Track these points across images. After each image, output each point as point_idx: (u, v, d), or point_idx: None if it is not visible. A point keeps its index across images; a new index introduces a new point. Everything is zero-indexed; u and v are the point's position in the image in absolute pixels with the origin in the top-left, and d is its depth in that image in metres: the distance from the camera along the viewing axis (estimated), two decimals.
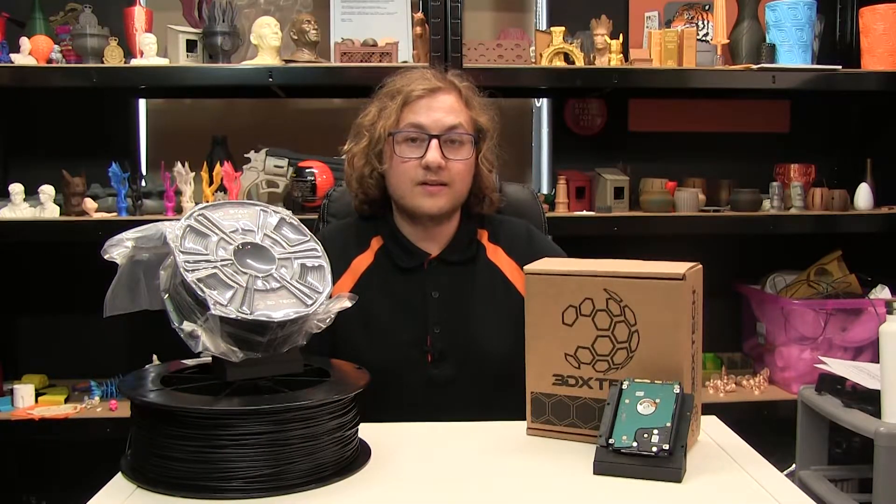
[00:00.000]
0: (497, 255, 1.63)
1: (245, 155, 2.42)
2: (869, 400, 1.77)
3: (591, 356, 1.22)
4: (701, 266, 1.22)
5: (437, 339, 1.54)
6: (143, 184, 2.40)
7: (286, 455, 1.03)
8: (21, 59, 2.29)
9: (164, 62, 2.32)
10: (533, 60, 2.42)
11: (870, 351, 2.41)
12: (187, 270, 1.06)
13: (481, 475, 1.12)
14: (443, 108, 1.55)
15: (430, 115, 1.55)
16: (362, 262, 1.60)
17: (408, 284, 1.58)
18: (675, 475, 1.07)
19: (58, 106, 2.62)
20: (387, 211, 1.64)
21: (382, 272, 1.59)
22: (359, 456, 1.14)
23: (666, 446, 1.07)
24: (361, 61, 2.33)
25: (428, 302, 1.56)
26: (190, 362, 1.23)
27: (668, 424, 1.08)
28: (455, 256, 1.60)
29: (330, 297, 1.16)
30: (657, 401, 1.11)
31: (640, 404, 1.12)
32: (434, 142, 1.53)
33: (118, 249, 1.12)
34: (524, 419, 1.29)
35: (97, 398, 2.41)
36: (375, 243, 1.62)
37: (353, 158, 1.63)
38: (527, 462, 1.16)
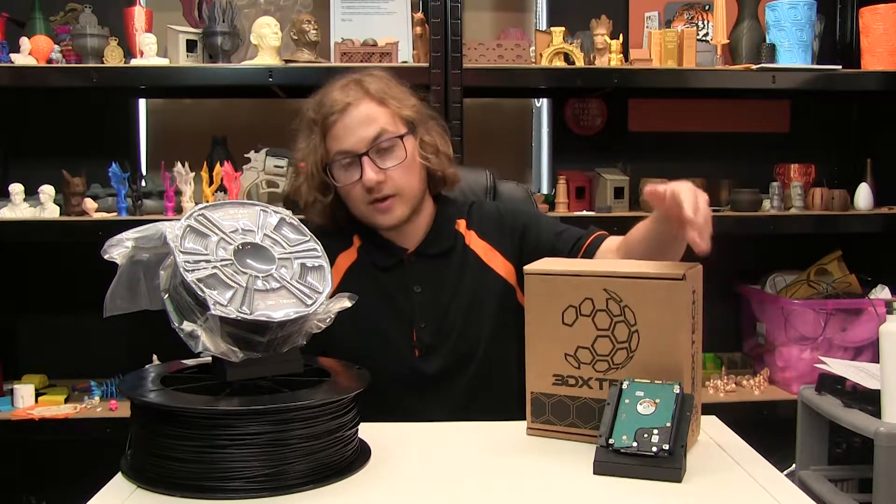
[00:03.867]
0: (472, 240, 1.62)
1: (245, 155, 2.41)
2: (869, 400, 1.77)
3: (591, 356, 1.22)
4: (701, 266, 1.22)
5: (422, 333, 1.55)
6: (143, 184, 2.40)
7: (286, 455, 1.04)
8: (21, 59, 2.29)
9: (164, 62, 2.32)
10: (533, 60, 2.42)
11: (870, 351, 2.41)
12: (187, 270, 1.06)
13: (481, 475, 1.12)
14: (359, 123, 1.52)
15: (351, 136, 1.52)
16: (346, 258, 1.61)
17: (390, 280, 1.58)
18: (675, 475, 1.07)
19: (58, 106, 2.62)
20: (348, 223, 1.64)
21: (366, 269, 1.60)
22: (359, 456, 1.14)
23: (666, 446, 1.07)
24: (361, 61, 2.33)
25: (411, 297, 1.57)
26: (190, 362, 1.23)
27: (668, 424, 1.08)
28: (433, 249, 1.60)
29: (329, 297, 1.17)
30: (657, 401, 1.11)
31: (640, 404, 1.12)
32: (365, 160, 1.51)
33: (118, 249, 1.12)
34: (515, 407, 1.29)
35: (97, 398, 2.41)
36: (357, 241, 1.63)
37: (299, 194, 1.64)
38: (527, 462, 1.16)
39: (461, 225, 1.64)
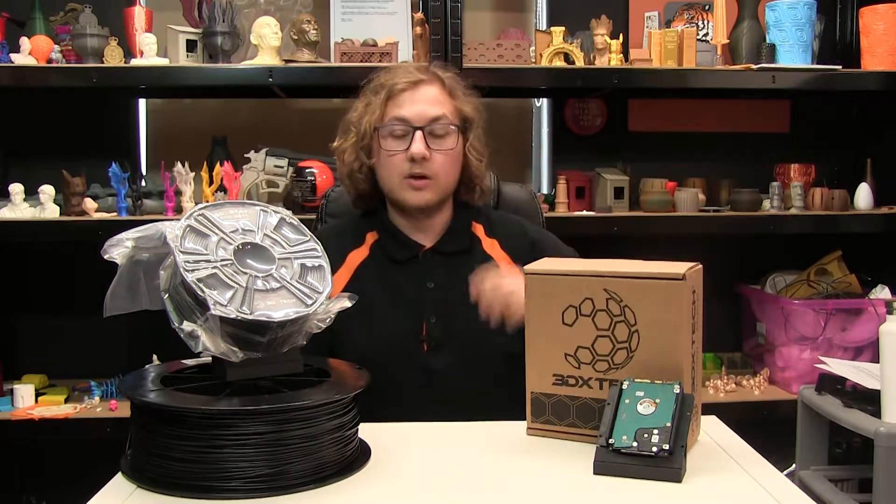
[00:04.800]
0: (494, 249, 1.64)
1: (245, 155, 2.42)
2: (869, 400, 1.77)
3: (591, 356, 1.21)
4: (701, 266, 1.22)
5: (432, 328, 1.55)
6: (143, 184, 2.40)
7: (286, 455, 1.03)
8: (21, 59, 2.29)
9: (164, 62, 2.32)
10: (533, 60, 2.42)
11: (870, 351, 2.41)
12: (187, 270, 1.06)
13: (481, 475, 1.12)
14: (426, 100, 1.57)
15: (414, 108, 1.56)
16: (357, 255, 1.62)
17: (403, 275, 1.59)
18: (675, 475, 1.07)
19: (58, 106, 2.62)
20: (380, 204, 1.66)
21: (378, 264, 1.61)
22: (359, 456, 1.14)
23: (666, 446, 1.07)
24: (361, 61, 2.33)
25: (423, 292, 1.58)
26: (190, 362, 1.23)
27: (668, 424, 1.08)
28: (449, 247, 1.62)
29: (330, 296, 1.16)
30: (657, 401, 1.11)
31: (640, 404, 1.12)
32: (418, 134, 1.55)
33: (118, 249, 1.12)
34: (519, 408, 1.29)
35: (97, 398, 2.41)
36: (370, 238, 1.64)
37: (342, 154, 1.65)
38: (527, 462, 1.16)
39: (478, 229, 1.66)
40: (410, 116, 1.56)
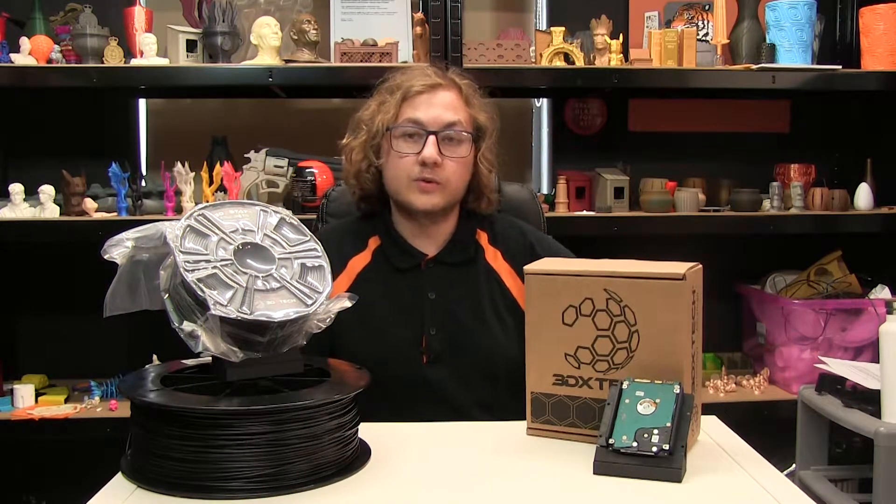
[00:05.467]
0: (496, 260, 1.62)
1: (245, 155, 2.42)
2: (869, 400, 1.77)
3: (591, 356, 1.22)
4: (701, 266, 1.22)
5: (432, 340, 1.54)
6: (143, 184, 2.40)
7: (286, 455, 1.03)
8: (21, 59, 2.29)
9: (164, 62, 2.32)
10: (533, 60, 2.42)
11: (870, 351, 2.41)
12: (187, 270, 1.06)
13: (481, 475, 1.12)
14: (442, 105, 1.55)
15: (429, 112, 1.54)
16: (359, 262, 1.60)
17: (405, 284, 1.58)
18: (675, 475, 1.07)
19: (58, 106, 2.62)
20: (384, 208, 1.64)
21: (380, 272, 1.59)
22: (359, 456, 1.14)
23: (666, 446, 1.07)
24: (361, 61, 2.33)
25: (424, 303, 1.56)
26: (190, 362, 1.23)
27: (668, 424, 1.09)
28: (453, 257, 1.60)
29: (329, 297, 1.16)
30: (657, 401, 1.11)
31: (640, 404, 1.12)
32: (431, 138, 1.53)
33: (118, 249, 1.12)
34: (518, 419, 1.29)
35: (97, 398, 2.41)
36: (373, 243, 1.62)
37: (350, 153, 1.62)
38: (527, 462, 1.16)
39: (482, 237, 1.64)
40: (425, 120, 1.54)
